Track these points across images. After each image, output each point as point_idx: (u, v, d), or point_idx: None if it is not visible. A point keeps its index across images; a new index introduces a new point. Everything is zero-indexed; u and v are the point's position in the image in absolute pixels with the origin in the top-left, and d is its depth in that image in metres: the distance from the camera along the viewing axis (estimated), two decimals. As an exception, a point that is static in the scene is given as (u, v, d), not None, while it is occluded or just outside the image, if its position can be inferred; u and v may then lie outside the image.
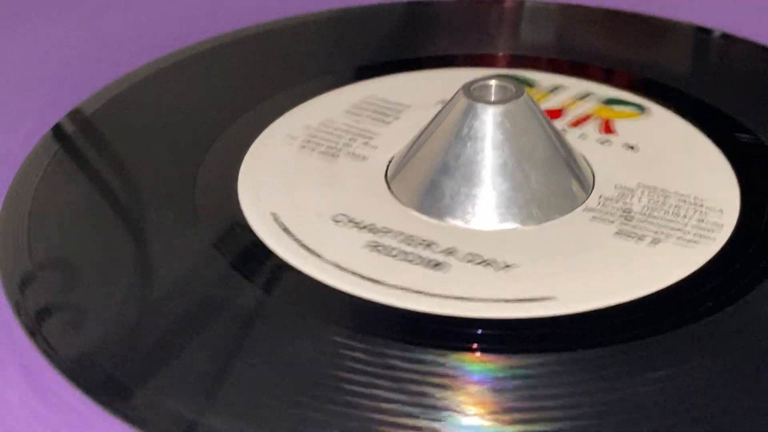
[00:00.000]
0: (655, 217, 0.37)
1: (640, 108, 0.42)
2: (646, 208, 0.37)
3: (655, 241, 0.36)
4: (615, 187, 0.38)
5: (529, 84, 0.43)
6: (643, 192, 0.38)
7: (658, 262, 0.35)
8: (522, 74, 0.44)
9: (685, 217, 0.37)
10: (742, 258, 0.35)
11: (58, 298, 0.34)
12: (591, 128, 0.41)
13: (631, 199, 0.37)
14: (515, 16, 0.51)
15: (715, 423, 0.30)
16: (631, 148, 0.40)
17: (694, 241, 0.36)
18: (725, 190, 0.38)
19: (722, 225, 0.36)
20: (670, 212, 0.37)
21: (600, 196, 0.38)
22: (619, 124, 0.41)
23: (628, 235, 0.36)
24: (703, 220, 0.37)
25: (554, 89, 0.43)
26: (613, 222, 0.37)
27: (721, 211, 0.37)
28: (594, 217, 0.37)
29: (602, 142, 0.40)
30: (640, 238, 0.36)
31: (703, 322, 0.33)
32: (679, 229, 0.36)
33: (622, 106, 0.42)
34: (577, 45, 0.48)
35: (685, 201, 0.37)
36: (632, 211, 0.37)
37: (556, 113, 0.41)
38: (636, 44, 0.48)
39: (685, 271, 0.34)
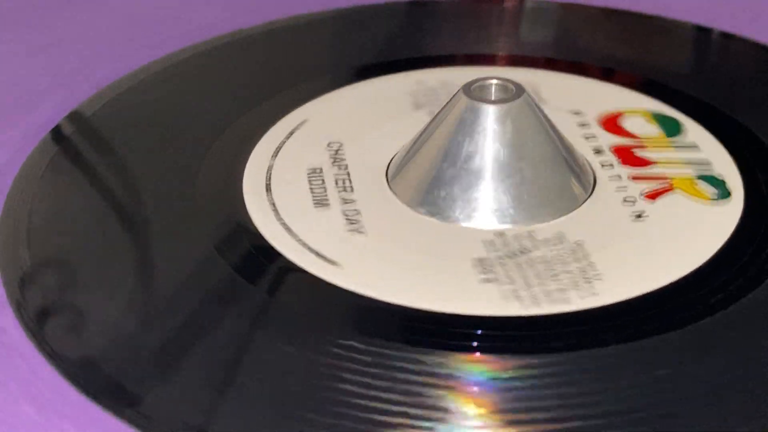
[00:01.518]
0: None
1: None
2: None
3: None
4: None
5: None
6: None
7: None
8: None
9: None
10: (744, 256, 0.35)
11: (60, 300, 0.34)
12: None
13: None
14: (515, 16, 0.51)
15: (715, 423, 0.30)
16: None
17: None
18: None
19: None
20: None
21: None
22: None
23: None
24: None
25: None
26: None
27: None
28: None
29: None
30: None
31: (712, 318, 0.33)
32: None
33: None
34: (577, 45, 0.48)
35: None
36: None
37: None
38: (636, 44, 0.48)
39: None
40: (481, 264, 0.35)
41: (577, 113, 0.41)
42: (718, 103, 0.42)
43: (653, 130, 0.40)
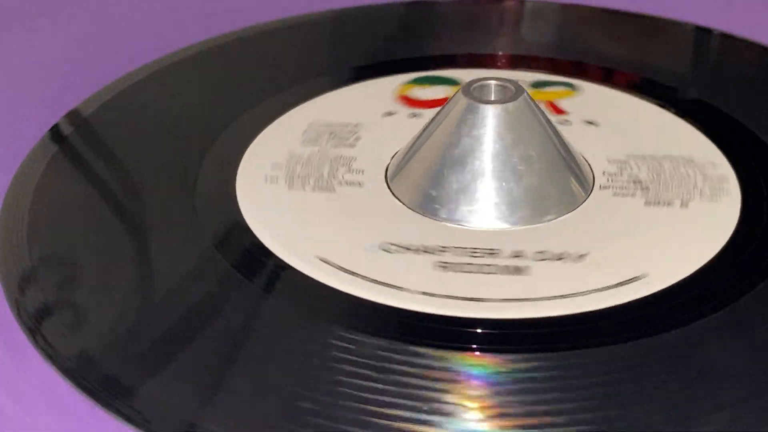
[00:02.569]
0: (666, 182, 0.38)
1: (570, 86, 0.43)
2: (651, 176, 0.38)
3: (684, 203, 0.37)
4: (609, 161, 0.39)
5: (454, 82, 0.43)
6: (636, 162, 0.38)
7: (711, 221, 0.36)
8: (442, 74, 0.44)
9: (689, 176, 0.38)
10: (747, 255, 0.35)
11: (58, 297, 0.34)
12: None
13: (632, 171, 0.38)
14: (515, 16, 0.51)
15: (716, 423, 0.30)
16: (591, 123, 0.41)
17: (716, 195, 0.37)
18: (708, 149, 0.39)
19: (726, 178, 0.38)
20: (674, 174, 0.38)
21: (604, 173, 0.38)
22: (563, 104, 0.42)
23: (657, 203, 0.37)
24: (706, 175, 0.38)
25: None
26: (634, 195, 0.37)
27: (713, 163, 0.38)
28: (615, 194, 0.37)
29: (562, 123, 0.41)
30: (669, 203, 0.37)
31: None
32: (695, 187, 0.37)
33: (552, 87, 0.43)
34: (577, 45, 0.48)
35: (678, 162, 0.39)
36: (643, 181, 0.38)
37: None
38: (636, 44, 0.48)
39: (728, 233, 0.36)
40: (420, 255, 0.35)
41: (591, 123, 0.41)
42: (718, 103, 0.42)
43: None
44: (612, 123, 0.41)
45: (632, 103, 0.42)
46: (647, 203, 0.37)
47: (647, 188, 0.37)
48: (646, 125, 0.41)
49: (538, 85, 0.43)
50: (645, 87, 0.44)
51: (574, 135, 0.40)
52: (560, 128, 0.39)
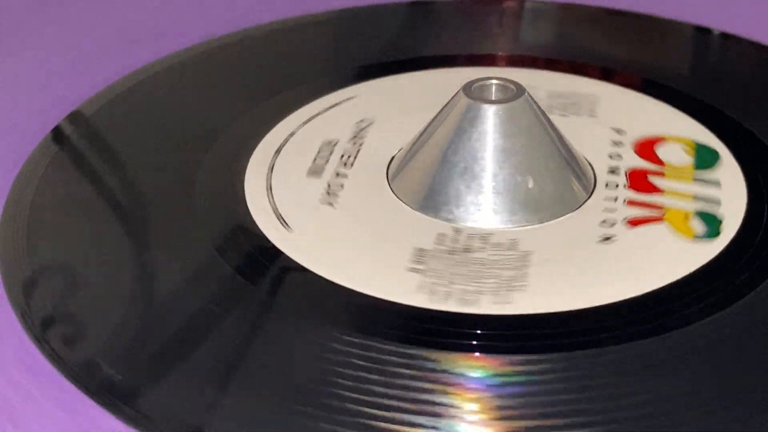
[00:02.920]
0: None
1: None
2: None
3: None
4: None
5: None
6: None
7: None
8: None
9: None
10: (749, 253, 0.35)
11: (61, 300, 0.34)
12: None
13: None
14: (515, 16, 0.51)
15: (715, 422, 0.30)
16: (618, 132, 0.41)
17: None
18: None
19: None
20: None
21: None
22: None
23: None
24: None
25: None
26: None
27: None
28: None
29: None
30: None
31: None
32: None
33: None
34: (577, 45, 0.48)
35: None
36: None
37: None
38: (636, 44, 0.48)
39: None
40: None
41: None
42: (718, 103, 0.42)
43: (686, 159, 0.40)
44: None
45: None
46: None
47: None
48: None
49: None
50: (645, 87, 0.44)
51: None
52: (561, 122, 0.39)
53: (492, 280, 0.34)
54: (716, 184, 0.38)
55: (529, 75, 0.44)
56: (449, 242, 0.35)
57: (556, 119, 0.39)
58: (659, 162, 0.39)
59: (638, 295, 0.33)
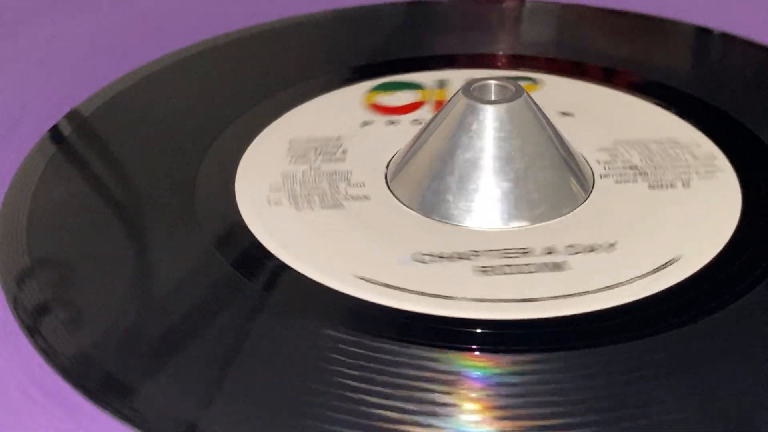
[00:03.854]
0: (660, 165, 0.38)
1: (533, 80, 0.43)
2: (644, 160, 0.38)
3: (685, 184, 0.37)
4: (599, 150, 0.39)
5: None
6: (625, 147, 0.39)
7: (718, 197, 0.37)
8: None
9: (679, 157, 0.39)
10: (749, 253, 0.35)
11: (57, 297, 0.34)
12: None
13: (624, 156, 0.39)
14: (515, 16, 0.51)
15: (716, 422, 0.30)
16: (566, 114, 0.41)
17: (710, 173, 0.38)
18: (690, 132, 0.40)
19: (714, 156, 0.39)
20: (666, 156, 0.39)
21: (598, 161, 0.39)
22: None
23: (660, 186, 0.37)
24: (694, 154, 0.39)
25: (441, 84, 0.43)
26: (635, 180, 0.37)
27: (699, 145, 0.39)
28: (617, 181, 0.38)
29: None
30: (672, 185, 0.37)
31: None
32: (689, 167, 0.38)
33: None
34: (577, 45, 0.48)
35: (663, 144, 0.39)
36: (637, 166, 0.38)
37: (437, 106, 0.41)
38: (636, 44, 0.48)
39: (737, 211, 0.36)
40: (421, 256, 0.35)
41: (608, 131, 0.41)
42: (719, 103, 0.42)
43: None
44: (587, 113, 0.42)
45: (605, 93, 0.43)
46: (651, 187, 0.37)
47: (645, 173, 0.38)
48: (621, 113, 0.42)
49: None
50: (644, 87, 0.44)
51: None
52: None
53: (532, 279, 0.34)
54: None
55: (529, 75, 0.44)
56: (474, 246, 0.35)
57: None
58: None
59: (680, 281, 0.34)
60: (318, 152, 0.40)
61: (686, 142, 0.39)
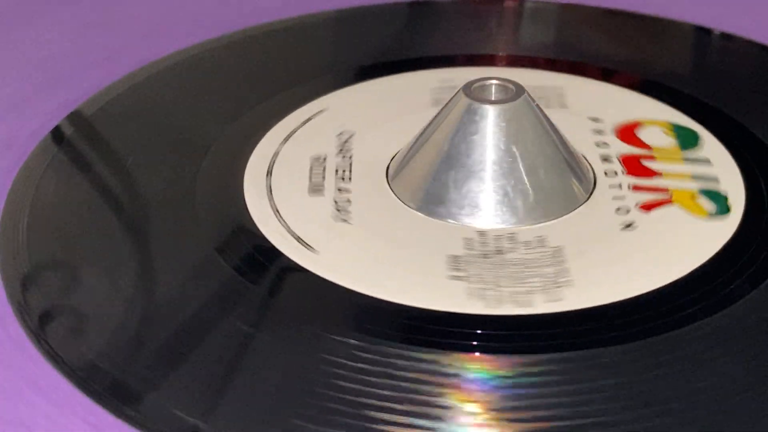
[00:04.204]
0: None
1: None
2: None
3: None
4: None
5: None
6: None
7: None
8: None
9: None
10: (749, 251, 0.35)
11: (60, 300, 0.34)
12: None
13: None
14: (515, 16, 0.51)
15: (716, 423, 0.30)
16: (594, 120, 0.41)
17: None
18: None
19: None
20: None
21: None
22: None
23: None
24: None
25: None
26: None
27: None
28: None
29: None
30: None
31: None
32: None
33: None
34: (577, 45, 0.48)
35: None
36: None
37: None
38: (636, 44, 0.48)
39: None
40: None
41: (594, 120, 0.41)
42: (718, 103, 0.42)
43: (669, 141, 0.40)
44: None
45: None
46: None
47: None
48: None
49: None
50: (644, 87, 0.44)
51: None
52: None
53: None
54: (707, 162, 0.39)
55: (529, 75, 0.44)
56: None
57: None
58: (645, 146, 0.40)
59: (682, 277, 0.34)
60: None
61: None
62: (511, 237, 0.36)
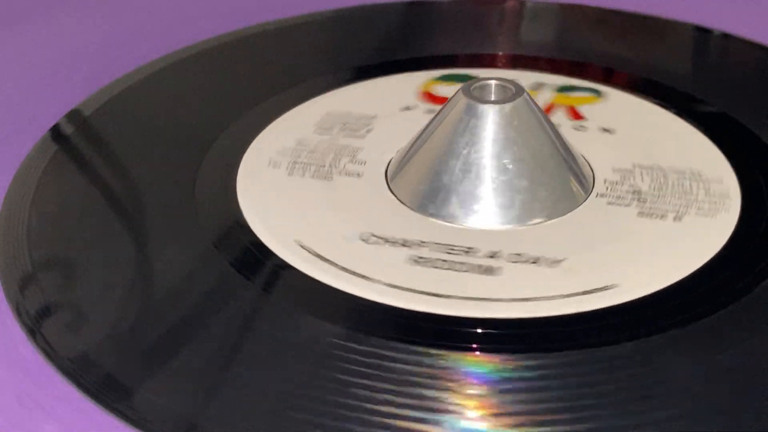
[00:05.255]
0: (665, 195, 0.37)
1: (596, 92, 0.43)
2: (652, 187, 0.38)
3: (678, 217, 0.36)
4: (613, 170, 0.38)
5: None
6: (641, 172, 0.38)
7: (693, 236, 0.36)
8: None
9: (692, 190, 0.38)
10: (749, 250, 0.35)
11: (58, 297, 0.34)
12: (560, 116, 0.41)
13: (634, 180, 0.38)
14: (515, 16, 0.51)
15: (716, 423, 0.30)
16: (607, 131, 0.41)
17: (715, 211, 0.37)
18: (716, 162, 0.39)
19: (729, 194, 0.37)
20: (677, 187, 0.38)
21: (605, 181, 0.38)
22: (584, 110, 0.42)
23: (651, 215, 0.36)
24: (709, 191, 0.38)
25: None
26: (629, 205, 0.37)
27: (721, 181, 0.38)
28: (610, 203, 0.37)
29: (577, 129, 0.41)
30: (663, 216, 0.36)
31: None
32: (694, 201, 0.37)
33: (578, 92, 0.43)
34: (577, 45, 0.48)
35: (684, 174, 0.38)
36: (642, 192, 0.37)
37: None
38: (636, 44, 0.48)
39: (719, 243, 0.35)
40: (416, 255, 0.35)
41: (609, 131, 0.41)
42: (718, 103, 0.42)
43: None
44: (627, 131, 0.41)
45: (653, 111, 0.42)
46: (640, 214, 0.37)
47: (645, 200, 0.37)
48: (661, 135, 0.41)
49: (563, 89, 0.43)
50: (645, 87, 0.44)
51: (586, 141, 0.40)
52: (574, 134, 0.39)
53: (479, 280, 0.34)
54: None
55: (530, 75, 0.44)
56: (430, 238, 0.35)
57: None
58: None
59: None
60: (343, 127, 0.40)
61: (708, 177, 0.38)
62: (492, 236, 0.36)
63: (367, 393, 0.30)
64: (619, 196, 0.37)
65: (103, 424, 0.30)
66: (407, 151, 0.38)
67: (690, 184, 0.38)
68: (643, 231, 0.36)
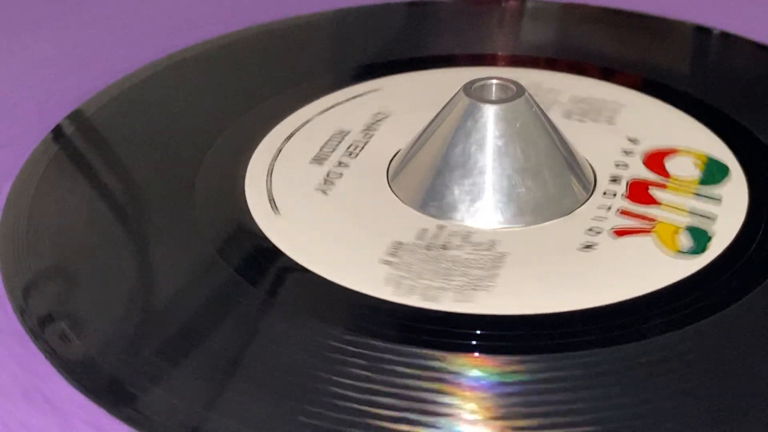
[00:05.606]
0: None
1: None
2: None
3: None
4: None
5: None
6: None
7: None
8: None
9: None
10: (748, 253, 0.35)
11: (60, 300, 0.34)
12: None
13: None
14: (515, 16, 0.51)
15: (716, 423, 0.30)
16: (632, 140, 0.41)
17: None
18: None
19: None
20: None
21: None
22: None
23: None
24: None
25: None
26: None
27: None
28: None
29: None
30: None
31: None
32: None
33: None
34: (577, 45, 0.48)
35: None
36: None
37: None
38: (636, 44, 0.48)
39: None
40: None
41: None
42: (718, 103, 0.42)
43: (693, 173, 0.39)
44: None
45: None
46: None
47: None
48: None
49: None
50: (645, 87, 0.44)
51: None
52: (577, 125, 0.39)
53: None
54: (717, 200, 0.37)
55: (530, 75, 0.44)
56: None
57: (572, 123, 0.39)
58: (665, 174, 0.39)
59: (604, 305, 0.33)
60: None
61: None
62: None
63: (370, 397, 0.30)
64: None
65: (109, 428, 0.30)
66: (408, 151, 0.39)
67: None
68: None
